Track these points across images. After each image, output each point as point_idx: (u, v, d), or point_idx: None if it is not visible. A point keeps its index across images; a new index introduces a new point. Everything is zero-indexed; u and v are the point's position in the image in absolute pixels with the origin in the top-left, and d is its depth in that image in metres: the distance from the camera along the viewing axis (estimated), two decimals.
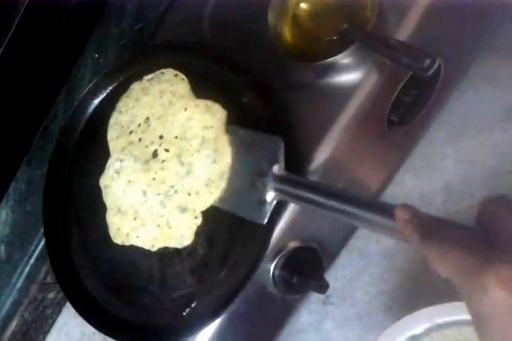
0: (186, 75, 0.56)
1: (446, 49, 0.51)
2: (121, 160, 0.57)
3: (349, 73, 0.49)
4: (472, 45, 0.54)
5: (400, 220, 0.34)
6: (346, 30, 0.46)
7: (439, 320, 0.50)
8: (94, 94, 0.63)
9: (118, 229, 0.56)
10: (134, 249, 0.55)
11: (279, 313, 0.58)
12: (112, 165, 0.58)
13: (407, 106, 0.51)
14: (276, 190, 0.45)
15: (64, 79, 0.72)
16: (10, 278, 0.73)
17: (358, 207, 0.38)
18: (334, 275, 0.62)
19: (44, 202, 0.63)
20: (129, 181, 0.56)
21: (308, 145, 0.50)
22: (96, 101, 0.63)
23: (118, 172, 0.57)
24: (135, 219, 0.55)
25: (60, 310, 0.76)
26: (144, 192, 0.55)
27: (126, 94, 0.59)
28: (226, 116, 0.52)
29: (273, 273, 0.53)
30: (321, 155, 0.50)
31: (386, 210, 0.36)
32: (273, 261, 0.52)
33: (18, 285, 0.73)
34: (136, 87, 0.59)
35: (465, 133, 0.59)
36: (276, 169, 0.45)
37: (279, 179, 0.45)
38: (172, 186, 0.53)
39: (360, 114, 0.49)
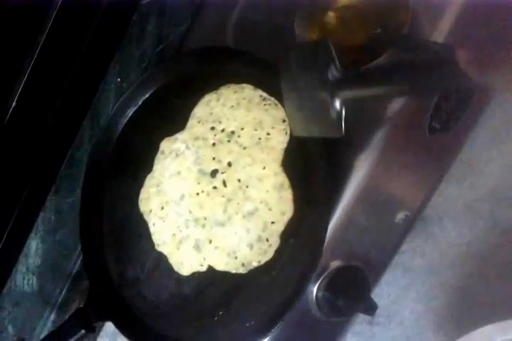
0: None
1: (485, 50, 0.49)
2: (187, 147, 0.54)
3: None
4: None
5: None
6: (380, 35, 0.44)
7: (500, 339, 0.47)
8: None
9: (147, 199, 0.56)
10: (147, 227, 0.55)
11: (324, 336, 0.56)
12: (179, 141, 0.55)
13: (448, 112, 0.49)
14: (340, 92, 0.41)
15: (88, 106, 0.72)
16: (43, 310, 0.72)
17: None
18: (379, 294, 0.59)
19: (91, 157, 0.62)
20: (179, 172, 0.54)
21: (347, 157, 0.47)
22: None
23: (177, 155, 0.55)
24: (162, 208, 0.54)
25: (94, 340, 0.75)
26: (182, 197, 0.53)
27: (233, 88, 0.54)
28: (290, 217, 0.48)
29: (316, 295, 0.50)
30: (361, 168, 0.48)
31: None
32: (316, 282, 0.50)
33: (52, 317, 0.72)
34: (247, 88, 0.53)
35: (509, 135, 0.57)
36: (332, 74, 0.41)
37: (338, 81, 0.41)
38: (204, 218, 0.51)
39: (399, 123, 0.47)
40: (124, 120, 0.61)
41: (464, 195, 0.57)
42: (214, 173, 0.52)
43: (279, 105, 0.51)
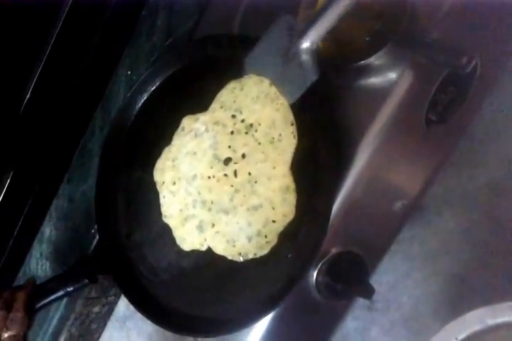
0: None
1: (482, 42, 0.50)
2: (206, 129, 0.55)
3: (384, 74, 0.48)
4: (509, 37, 0.53)
5: None
6: (379, 30, 0.45)
7: (491, 322, 0.48)
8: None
9: (162, 169, 0.58)
10: (158, 197, 0.58)
11: (324, 320, 0.58)
12: (200, 122, 0.56)
13: (445, 104, 0.50)
14: (305, 37, 0.44)
15: (99, 97, 0.74)
16: None
17: None
18: (378, 280, 0.60)
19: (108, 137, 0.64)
20: (195, 152, 0.56)
21: (346, 149, 0.49)
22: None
23: (196, 135, 0.56)
24: (174, 183, 0.56)
25: (105, 324, 0.77)
26: (194, 177, 0.55)
27: (258, 78, 0.53)
28: (291, 220, 0.50)
29: (316, 279, 0.52)
30: (361, 159, 0.49)
31: None
32: (316, 267, 0.52)
33: (64, 301, 0.74)
34: (265, 85, 0.53)
35: (506, 127, 0.58)
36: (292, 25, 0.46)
37: (301, 29, 0.45)
38: (211, 202, 0.53)
39: (397, 115, 0.48)
40: (152, 88, 0.63)
41: (462, 185, 0.59)
42: (227, 161, 0.53)
43: (289, 107, 0.51)
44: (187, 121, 0.58)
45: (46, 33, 0.67)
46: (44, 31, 0.67)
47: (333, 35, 0.49)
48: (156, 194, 0.58)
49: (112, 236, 0.61)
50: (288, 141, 0.51)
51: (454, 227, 0.59)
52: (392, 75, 0.48)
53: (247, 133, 0.53)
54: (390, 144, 0.50)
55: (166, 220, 0.57)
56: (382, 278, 0.61)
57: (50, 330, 0.74)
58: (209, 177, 0.54)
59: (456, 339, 0.49)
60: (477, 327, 0.49)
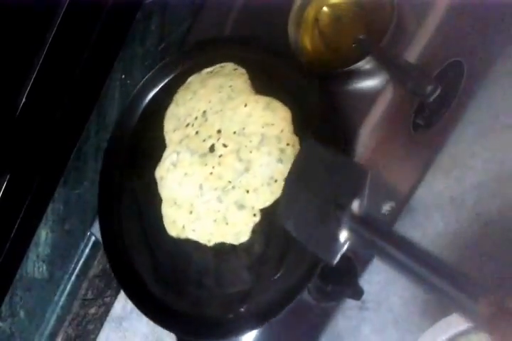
0: (246, 70, 0.56)
1: (468, 48, 0.51)
2: (177, 153, 0.57)
3: (371, 79, 0.49)
4: (495, 42, 0.54)
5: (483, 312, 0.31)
6: (362, 41, 0.47)
7: None
8: (151, 85, 0.63)
9: (173, 221, 0.56)
10: (189, 242, 0.55)
11: (316, 320, 0.59)
12: (169, 157, 0.58)
13: (431, 109, 0.51)
14: (352, 229, 0.38)
15: (94, 101, 0.74)
16: (53, 296, 0.75)
17: (439, 277, 0.35)
18: (368, 281, 0.62)
19: (100, 195, 0.63)
20: (185, 174, 0.56)
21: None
22: (152, 93, 0.63)
23: (174, 165, 0.57)
24: (191, 212, 0.55)
25: (101, 325, 0.78)
26: (201, 186, 0.55)
27: (184, 86, 0.59)
28: (291, 116, 0.51)
29: None
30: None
31: (468, 288, 0.33)
32: None
33: (61, 302, 0.75)
34: (194, 79, 0.58)
35: (493, 130, 0.59)
36: (356, 206, 0.38)
37: (357, 218, 0.38)
38: (229, 181, 0.53)
39: (385, 120, 0.49)
40: (138, 113, 0.63)
41: (450, 187, 0.60)
42: (212, 148, 0.55)
43: (224, 64, 0.56)
44: (158, 172, 0.58)
45: (41, 37, 0.68)
46: (39, 35, 0.68)
47: (321, 42, 0.51)
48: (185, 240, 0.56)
49: (139, 289, 0.58)
50: (241, 80, 0.55)
51: (442, 229, 0.60)
52: (380, 80, 0.49)
53: (206, 120, 0.55)
54: (378, 147, 0.51)
55: (211, 244, 0.54)
56: (372, 279, 0.62)
57: (47, 332, 0.75)
58: (211, 173, 0.54)
59: (442, 339, 0.50)
60: (462, 327, 0.50)
